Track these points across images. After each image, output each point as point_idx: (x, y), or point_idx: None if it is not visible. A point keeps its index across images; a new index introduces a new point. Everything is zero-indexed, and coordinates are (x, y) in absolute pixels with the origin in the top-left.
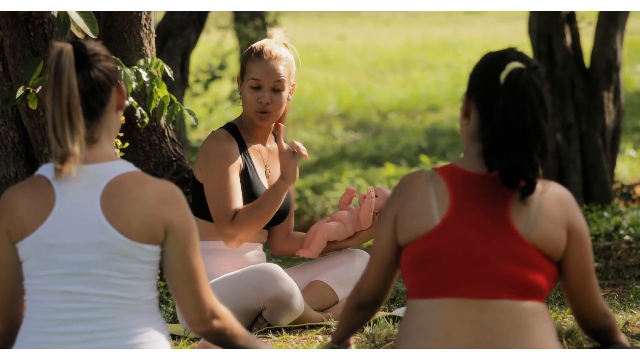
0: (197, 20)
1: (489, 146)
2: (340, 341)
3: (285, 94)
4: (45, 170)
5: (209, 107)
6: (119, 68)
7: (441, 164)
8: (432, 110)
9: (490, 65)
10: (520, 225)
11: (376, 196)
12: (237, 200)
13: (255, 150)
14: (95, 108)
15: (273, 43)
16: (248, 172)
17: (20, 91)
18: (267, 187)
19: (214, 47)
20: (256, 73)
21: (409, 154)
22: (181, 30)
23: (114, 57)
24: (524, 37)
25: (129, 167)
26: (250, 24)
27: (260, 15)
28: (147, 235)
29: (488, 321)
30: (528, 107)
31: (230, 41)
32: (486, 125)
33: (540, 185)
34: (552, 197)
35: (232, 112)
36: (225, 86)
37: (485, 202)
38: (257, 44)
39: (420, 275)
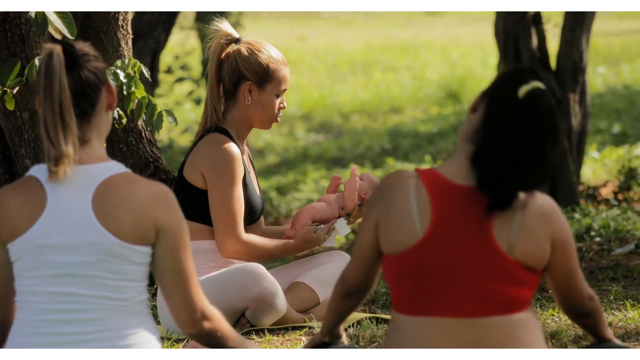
0: (166, 21)
1: (482, 149)
2: (329, 332)
3: None
4: (37, 171)
5: (170, 107)
6: None
7: (406, 165)
8: (394, 112)
9: (516, 75)
10: (502, 242)
11: (361, 180)
12: (242, 214)
13: (244, 154)
14: (86, 108)
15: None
16: (246, 178)
17: None
18: (255, 187)
19: (173, 47)
20: (287, 81)
21: (371, 155)
22: (150, 31)
23: None
24: (485, 38)
25: (120, 168)
26: (212, 24)
27: (222, 15)
28: (139, 236)
29: (475, 337)
30: (541, 131)
31: (191, 41)
32: (488, 129)
33: (522, 197)
34: (535, 211)
35: (195, 113)
36: (184, 87)
37: (467, 217)
38: (273, 50)
39: (404, 291)
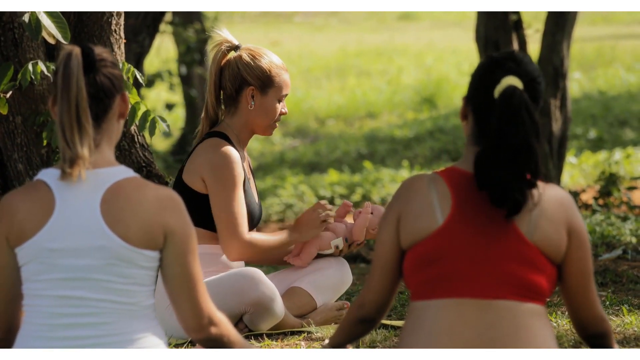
0: (150, 26)
1: (479, 164)
2: (337, 347)
3: None
4: (45, 175)
5: (159, 112)
6: None
7: (383, 170)
8: (369, 117)
9: (487, 76)
10: (522, 226)
11: (371, 213)
12: (245, 216)
13: (243, 159)
14: (98, 113)
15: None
16: (245, 184)
17: None
18: (254, 194)
19: (155, 52)
20: (288, 86)
21: (348, 160)
22: (135, 36)
23: None
24: (459, 43)
25: (128, 172)
26: (189, 28)
27: (199, 19)
28: (147, 241)
29: (490, 320)
30: (519, 128)
31: (166, 45)
32: (481, 137)
33: (540, 186)
34: (553, 198)
35: (170, 118)
36: (158, 91)
37: (486, 202)
38: (273, 57)
39: (424, 277)
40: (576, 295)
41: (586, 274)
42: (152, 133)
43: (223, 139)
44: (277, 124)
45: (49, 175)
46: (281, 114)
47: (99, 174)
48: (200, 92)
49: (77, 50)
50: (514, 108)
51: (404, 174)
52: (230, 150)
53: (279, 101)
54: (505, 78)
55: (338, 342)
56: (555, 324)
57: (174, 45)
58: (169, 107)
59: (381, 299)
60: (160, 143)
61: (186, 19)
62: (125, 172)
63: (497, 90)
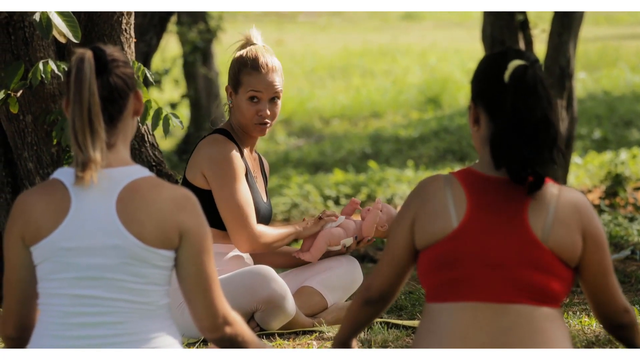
0: (158, 25)
1: (497, 143)
2: (344, 343)
3: (280, 102)
4: (61, 173)
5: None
6: None
7: (388, 170)
8: (374, 117)
9: (492, 67)
10: (537, 230)
11: (380, 211)
12: (252, 206)
13: (248, 156)
14: (113, 114)
15: (264, 52)
16: (248, 177)
17: (0, 95)
18: (260, 192)
19: (161, 51)
20: (256, 85)
21: (353, 160)
22: (142, 35)
23: None
24: (462, 43)
25: (144, 172)
26: (194, 29)
27: (204, 19)
28: (162, 240)
29: (504, 325)
30: (538, 103)
31: (173, 45)
32: (496, 125)
33: (556, 189)
34: (568, 202)
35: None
36: (165, 91)
37: (502, 206)
38: (250, 54)
39: (439, 279)
40: (596, 293)
41: (605, 274)
42: (166, 131)
43: (224, 135)
44: (267, 126)
45: (65, 174)
46: (259, 115)
47: (115, 173)
48: (204, 92)
49: (89, 54)
50: (528, 83)
51: (409, 173)
52: (228, 144)
53: (252, 100)
54: (512, 62)
55: (344, 336)
56: (567, 324)
57: (178, 44)
58: (173, 106)
59: (387, 287)
60: (164, 142)
61: (191, 19)
62: (141, 172)
63: (507, 75)
